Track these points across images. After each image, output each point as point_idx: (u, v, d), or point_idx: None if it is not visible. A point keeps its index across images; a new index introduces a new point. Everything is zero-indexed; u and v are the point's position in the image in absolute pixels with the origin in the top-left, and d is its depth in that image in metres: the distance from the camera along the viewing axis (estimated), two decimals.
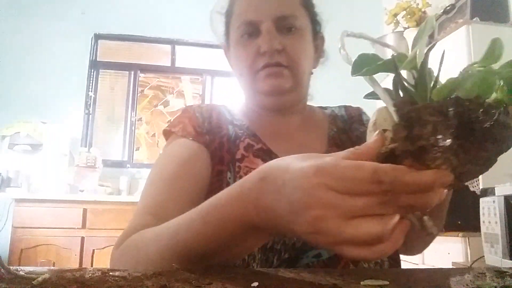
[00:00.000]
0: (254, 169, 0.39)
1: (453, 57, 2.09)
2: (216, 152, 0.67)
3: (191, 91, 3.80)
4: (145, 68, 3.64)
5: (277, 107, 0.72)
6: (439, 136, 0.31)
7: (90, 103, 3.39)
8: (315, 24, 0.77)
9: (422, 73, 0.39)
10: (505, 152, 0.34)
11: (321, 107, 0.84)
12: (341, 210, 0.31)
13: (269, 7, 0.69)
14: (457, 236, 1.70)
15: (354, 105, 0.85)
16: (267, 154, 0.68)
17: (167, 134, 0.73)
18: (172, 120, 0.74)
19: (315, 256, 0.60)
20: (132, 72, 3.57)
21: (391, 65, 0.38)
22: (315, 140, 0.74)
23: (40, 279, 0.33)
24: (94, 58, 3.44)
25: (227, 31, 0.77)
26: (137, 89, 3.59)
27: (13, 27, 3.24)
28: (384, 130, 0.36)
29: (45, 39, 3.26)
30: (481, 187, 1.71)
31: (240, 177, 0.65)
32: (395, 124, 0.33)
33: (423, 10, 2.68)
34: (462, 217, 1.71)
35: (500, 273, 0.42)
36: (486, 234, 1.40)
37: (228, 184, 0.63)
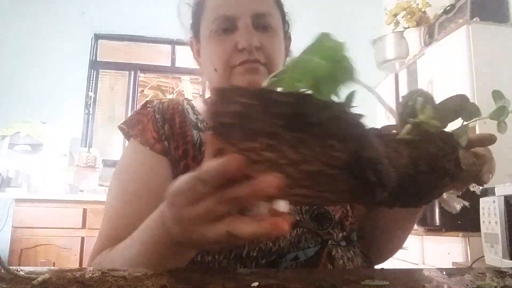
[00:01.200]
0: None
1: (453, 57, 2.09)
2: (180, 160, 0.64)
3: (191, 91, 3.80)
4: (145, 68, 3.63)
5: None
6: (248, 118, 0.29)
7: (90, 103, 3.39)
8: (285, 23, 0.77)
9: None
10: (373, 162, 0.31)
11: None
12: (192, 220, 0.33)
13: (246, 3, 0.68)
14: (457, 236, 1.70)
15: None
16: None
17: (125, 134, 0.71)
18: (130, 116, 0.72)
19: (293, 259, 0.59)
20: (132, 72, 3.57)
21: None
22: None
23: (40, 279, 0.33)
24: (94, 58, 3.44)
25: (196, 24, 0.75)
26: (137, 89, 3.59)
27: (13, 27, 3.24)
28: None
29: (45, 39, 3.26)
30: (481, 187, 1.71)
31: None
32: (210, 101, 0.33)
33: (423, 10, 2.68)
34: (462, 217, 1.71)
35: (500, 273, 0.42)
36: (486, 234, 1.40)
37: None
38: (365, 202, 0.39)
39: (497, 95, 0.47)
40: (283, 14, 0.76)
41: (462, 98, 0.46)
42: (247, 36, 0.66)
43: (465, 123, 0.47)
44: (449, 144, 0.40)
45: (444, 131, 0.41)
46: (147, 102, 0.72)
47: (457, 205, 0.53)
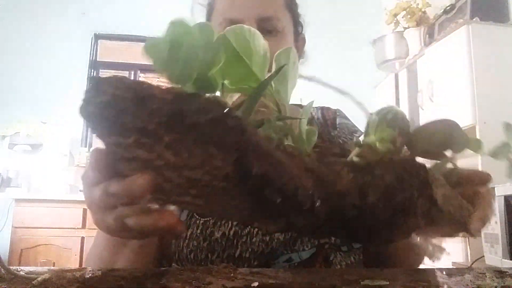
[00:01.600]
0: None
1: (453, 57, 2.09)
2: None
3: None
4: (145, 68, 3.63)
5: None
6: (118, 111, 0.27)
7: None
8: (297, 25, 0.76)
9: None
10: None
11: (299, 106, 0.80)
12: (90, 206, 0.35)
13: (252, 6, 0.68)
14: (457, 236, 1.70)
15: (334, 107, 0.82)
16: None
17: None
18: None
19: (286, 260, 0.59)
20: (132, 72, 3.56)
21: None
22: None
23: (40, 279, 0.33)
24: (94, 58, 3.44)
25: None
26: None
27: (13, 27, 3.24)
28: None
29: (45, 39, 3.26)
30: None
31: None
32: None
33: (423, 10, 2.68)
34: None
35: (500, 273, 0.42)
36: (486, 234, 1.40)
37: None
38: (281, 228, 0.32)
39: (508, 128, 0.39)
40: (294, 16, 0.74)
41: (449, 125, 0.38)
42: None
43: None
44: (416, 175, 0.33)
45: (411, 159, 0.35)
46: None
47: (436, 253, 0.40)
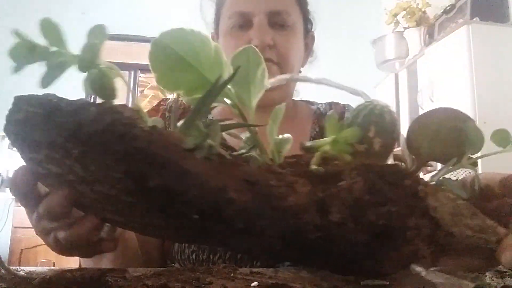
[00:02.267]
0: None
1: (453, 57, 2.09)
2: None
3: None
4: (145, 68, 3.63)
5: (260, 104, 0.67)
6: (29, 127, 0.27)
7: None
8: (307, 22, 0.75)
9: None
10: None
11: (308, 102, 0.81)
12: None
13: (263, 0, 0.67)
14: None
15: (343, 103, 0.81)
16: None
17: None
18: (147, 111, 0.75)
19: (290, 265, 0.58)
20: (132, 72, 3.56)
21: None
22: (294, 141, 0.71)
23: (40, 279, 0.33)
24: None
25: (217, 19, 0.75)
26: (137, 89, 3.59)
27: (13, 27, 3.24)
28: None
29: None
30: None
31: None
32: None
33: (423, 10, 2.68)
34: None
35: (500, 273, 0.42)
36: None
37: None
38: (218, 246, 0.29)
39: None
40: (304, 12, 0.74)
41: (455, 117, 0.29)
42: (260, 34, 0.65)
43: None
44: (398, 185, 0.25)
45: (393, 164, 0.28)
46: (163, 99, 0.73)
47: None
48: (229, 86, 0.31)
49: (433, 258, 0.27)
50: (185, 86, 0.30)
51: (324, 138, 0.29)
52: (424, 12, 2.69)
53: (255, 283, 0.34)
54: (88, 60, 0.32)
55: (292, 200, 0.25)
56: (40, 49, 0.33)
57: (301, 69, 0.75)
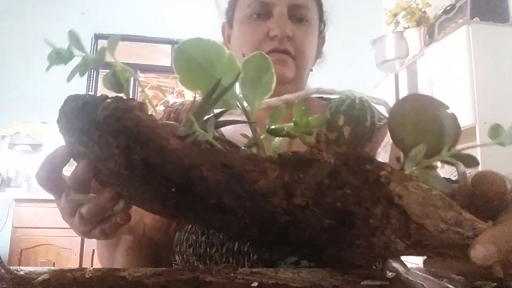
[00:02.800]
0: None
1: (453, 57, 2.09)
2: None
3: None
4: (145, 68, 3.63)
5: (274, 96, 0.68)
6: (68, 117, 0.35)
7: None
8: (321, 22, 0.76)
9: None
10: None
11: (321, 98, 0.81)
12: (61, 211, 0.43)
13: None
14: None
15: None
16: None
17: None
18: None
19: (293, 263, 0.58)
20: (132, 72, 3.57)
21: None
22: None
23: (40, 279, 0.33)
24: None
25: (232, 8, 0.75)
26: (137, 89, 3.59)
27: (13, 27, 3.24)
28: None
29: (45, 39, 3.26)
30: None
31: None
32: None
33: (423, 10, 2.68)
34: None
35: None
36: None
37: None
38: (191, 222, 0.34)
39: None
40: (321, 12, 0.74)
41: (429, 103, 0.27)
42: (281, 24, 0.65)
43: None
44: (359, 171, 0.25)
45: (358, 151, 0.27)
46: (172, 104, 0.75)
47: None
48: (238, 89, 0.35)
49: (411, 254, 0.26)
50: (202, 87, 0.35)
51: (289, 123, 0.31)
52: (424, 12, 2.69)
53: (255, 283, 0.34)
54: (97, 61, 0.38)
55: (262, 183, 0.27)
56: (64, 53, 0.41)
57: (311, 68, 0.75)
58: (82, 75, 0.39)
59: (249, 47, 0.68)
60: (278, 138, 0.34)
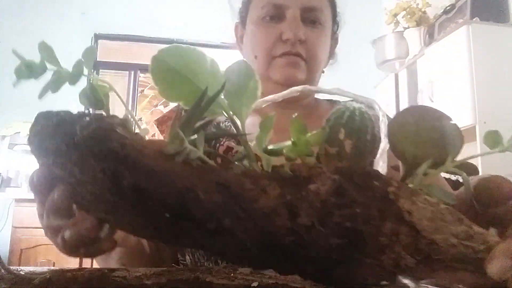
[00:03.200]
0: None
1: (453, 57, 2.09)
2: None
3: None
4: (145, 68, 3.62)
5: (285, 100, 0.67)
6: (38, 138, 0.33)
7: None
8: (335, 23, 0.75)
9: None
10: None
11: (330, 101, 0.80)
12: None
13: None
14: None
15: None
16: None
17: (159, 130, 0.73)
18: (164, 113, 0.74)
19: None
20: (132, 72, 3.56)
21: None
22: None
23: (40, 279, 0.33)
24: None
25: (245, 8, 0.74)
26: (137, 89, 3.59)
27: (13, 27, 3.24)
28: None
29: (45, 39, 3.25)
30: None
31: None
32: None
33: (423, 10, 2.68)
34: None
35: None
36: None
37: None
38: (189, 246, 0.30)
39: None
40: (334, 13, 0.74)
41: (431, 115, 0.27)
42: (293, 27, 0.65)
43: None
44: (366, 187, 0.24)
45: (362, 166, 0.27)
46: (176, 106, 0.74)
47: None
48: (223, 98, 0.32)
49: (421, 269, 0.25)
50: (184, 97, 0.32)
51: (287, 141, 0.29)
52: (424, 12, 2.69)
53: (255, 283, 0.34)
54: (73, 76, 0.36)
55: (262, 203, 0.25)
56: (37, 67, 0.39)
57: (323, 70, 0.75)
58: (54, 91, 0.36)
59: (261, 49, 0.68)
60: (266, 149, 0.32)
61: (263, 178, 0.26)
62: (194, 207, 0.26)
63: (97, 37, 3.44)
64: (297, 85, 0.66)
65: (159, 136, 0.78)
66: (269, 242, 0.26)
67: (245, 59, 0.73)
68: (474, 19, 2.07)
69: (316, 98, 0.78)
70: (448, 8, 2.34)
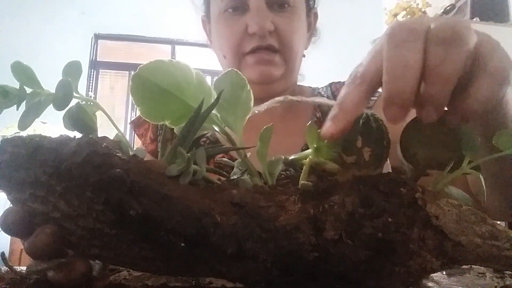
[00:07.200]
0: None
1: None
2: None
3: None
4: None
5: (263, 97, 0.60)
6: (13, 168, 0.28)
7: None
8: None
9: None
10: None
11: (310, 88, 0.74)
12: None
13: None
14: None
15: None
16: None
17: (135, 132, 0.69)
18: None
19: None
20: (132, 72, 3.55)
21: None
22: (296, 130, 0.58)
23: (40, 278, 0.33)
24: (94, 58, 3.44)
25: (207, 1, 0.67)
26: None
27: (13, 27, 3.24)
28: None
29: (45, 39, 3.26)
30: None
31: None
32: None
33: (423, 10, 2.68)
34: None
35: (500, 273, 0.42)
36: None
37: None
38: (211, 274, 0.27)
39: None
40: None
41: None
42: (259, 18, 0.58)
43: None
44: (394, 195, 0.24)
45: (387, 174, 0.26)
46: None
47: None
48: (215, 112, 0.30)
49: (444, 270, 0.26)
50: (171, 116, 0.30)
51: (306, 150, 0.28)
52: (424, 12, 2.68)
53: None
54: (62, 98, 0.31)
55: (283, 220, 0.24)
56: (15, 93, 0.33)
57: (305, 51, 0.69)
58: (37, 116, 0.32)
59: (229, 47, 0.61)
60: (268, 162, 0.30)
61: (279, 193, 0.25)
62: (212, 232, 0.24)
63: (97, 37, 3.44)
64: (273, 83, 0.60)
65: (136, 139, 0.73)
66: (291, 260, 0.25)
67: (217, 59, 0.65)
68: (474, 19, 2.07)
69: (299, 86, 0.71)
70: (448, 8, 2.34)
